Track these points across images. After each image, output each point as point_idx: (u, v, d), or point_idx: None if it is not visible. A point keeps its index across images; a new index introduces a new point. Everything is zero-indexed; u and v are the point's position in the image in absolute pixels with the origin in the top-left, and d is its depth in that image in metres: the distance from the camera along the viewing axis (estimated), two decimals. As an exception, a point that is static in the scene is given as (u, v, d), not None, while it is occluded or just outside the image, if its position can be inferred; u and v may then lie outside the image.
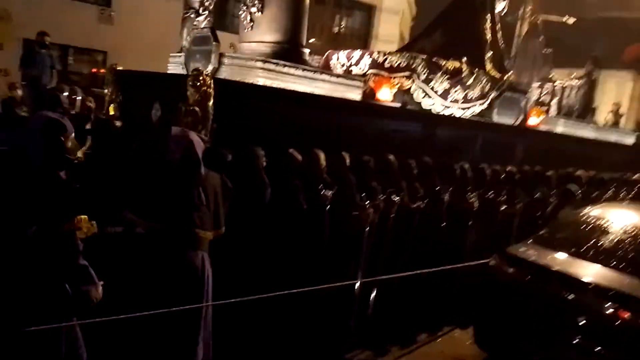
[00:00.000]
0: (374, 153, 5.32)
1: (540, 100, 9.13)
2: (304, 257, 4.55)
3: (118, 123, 5.32)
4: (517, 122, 7.65)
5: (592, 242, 4.37)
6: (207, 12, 5.85)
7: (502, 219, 6.19)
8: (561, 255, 4.32)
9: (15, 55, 10.06)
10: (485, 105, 7.15)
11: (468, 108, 6.92)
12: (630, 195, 7.74)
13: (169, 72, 6.06)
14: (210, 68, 5.06)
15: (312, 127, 5.00)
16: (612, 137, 9.42)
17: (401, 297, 5.10)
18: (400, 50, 6.81)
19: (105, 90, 6.13)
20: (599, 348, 3.69)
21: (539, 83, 9.32)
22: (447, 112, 6.65)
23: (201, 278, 3.25)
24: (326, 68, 6.79)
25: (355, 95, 5.71)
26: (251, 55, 5.15)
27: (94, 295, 2.72)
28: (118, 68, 6.09)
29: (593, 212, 4.87)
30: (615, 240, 4.31)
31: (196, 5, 5.90)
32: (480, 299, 4.70)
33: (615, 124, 10.20)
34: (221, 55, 5.12)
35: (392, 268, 4.90)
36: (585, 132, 8.83)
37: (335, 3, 17.37)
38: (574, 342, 3.81)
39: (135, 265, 3.19)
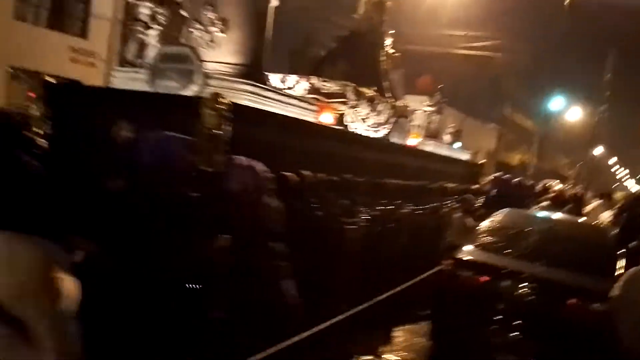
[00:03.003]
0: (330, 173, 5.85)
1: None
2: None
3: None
4: (404, 143, 8.92)
5: (524, 243, 5.26)
6: (159, 26, 5.68)
7: (418, 225, 7.29)
8: (503, 256, 5.10)
9: None
10: (387, 130, 8.21)
11: (378, 132, 7.89)
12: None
13: (114, 87, 5.63)
14: (194, 89, 4.99)
15: (296, 150, 5.31)
16: (456, 154, 11.49)
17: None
18: (315, 75, 7.39)
19: (30, 106, 5.35)
20: (546, 332, 4.49)
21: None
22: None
23: None
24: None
25: (311, 118, 6.16)
26: (237, 78, 5.23)
27: None
28: (48, 79, 5.41)
29: (508, 218, 6.04)
30: (540, 241, 5.38)
31: (144, 17, 5.65)
32: (436, 298, 5.30)
33: (454, 142, 12.38)
34: (206, 75, 5.08)
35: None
36: (442, 150, 10.63)
37: None
38: (526, 328, 4.54)
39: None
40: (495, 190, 9.68)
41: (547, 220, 6.22)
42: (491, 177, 10.61)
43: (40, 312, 1.58)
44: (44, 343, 1.57)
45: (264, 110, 5.03)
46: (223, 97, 4.37)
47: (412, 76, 23.07)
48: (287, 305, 3.43)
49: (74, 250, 2.85)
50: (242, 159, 3.61)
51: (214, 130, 4.27)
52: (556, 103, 28.88)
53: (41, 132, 5.21)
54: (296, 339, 3.60)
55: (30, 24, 12.33)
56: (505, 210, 6.67)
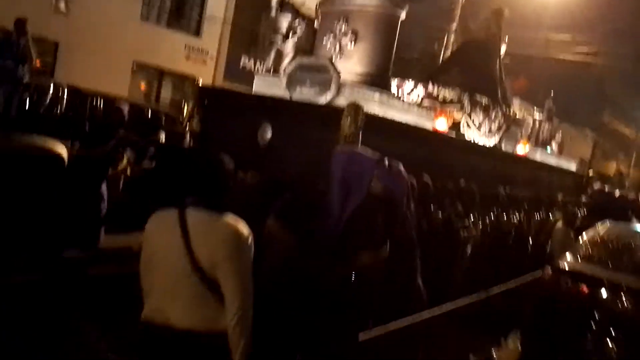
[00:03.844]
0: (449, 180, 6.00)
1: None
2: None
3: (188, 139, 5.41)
4: (515, 152, 8.83)
5: (626, 257, 5.27)
6: (295, 36, 6.08)
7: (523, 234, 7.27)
8: (605, 269, 5.08)
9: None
10: (499, 138, 8.18)
11: (491, 139, 7.90)
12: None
13: (254, 93, 6.12)
14: (329, 97, 5.34)
15: (414, 156, 5.51)
16: (563, 164, 11.16)
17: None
18: (430, 81, 7.50)
19: (184, 105, 6.01)
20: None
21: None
22: (480, 143, 7.55)
23: None
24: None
25: (429, 125, 6.34)
26: (365, 86, 5.53)
27: None
28: (200, 84, 6.02)
29: (612, 231, 5.83)
30: None
31: (284, 30, 6.08)
32: (532, 307, 5.22)
33: (560, 152, 12.00)
34: (341, 85, 5.41)
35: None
36: (550, 160, 10.39)
37: None
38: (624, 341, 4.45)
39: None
40: (596, 202, 9.37)
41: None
42: (593, 189, 10.24)
43: (230, 274, 1.93)
44: (229, 300, 1.93)
45: (389, 119, 5.28)
46: (361, 107, 4.67)
47: (510, 79, 22.45)
48: (421, 300, 3.67)
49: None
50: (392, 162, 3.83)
51: (350, 138, 4.62)
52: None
53: (188, 130, 5.87)
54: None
55: (153, 23, 13.43)
56: (608, 223, 6.52)
